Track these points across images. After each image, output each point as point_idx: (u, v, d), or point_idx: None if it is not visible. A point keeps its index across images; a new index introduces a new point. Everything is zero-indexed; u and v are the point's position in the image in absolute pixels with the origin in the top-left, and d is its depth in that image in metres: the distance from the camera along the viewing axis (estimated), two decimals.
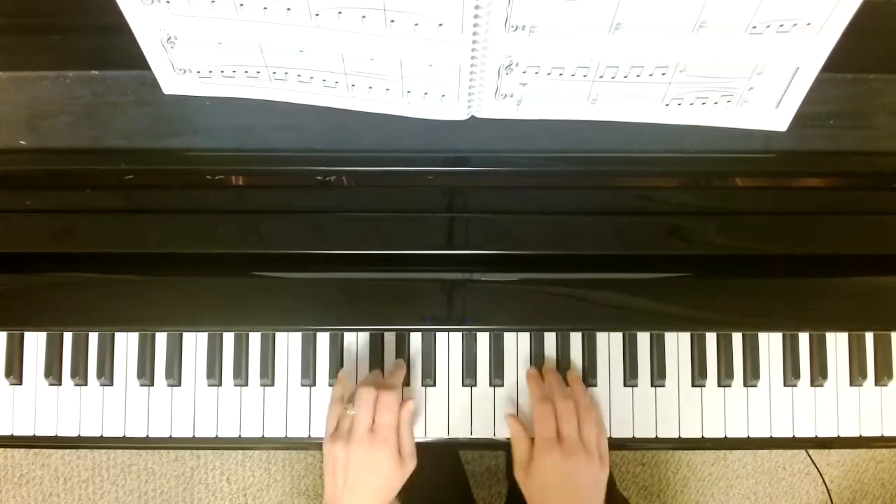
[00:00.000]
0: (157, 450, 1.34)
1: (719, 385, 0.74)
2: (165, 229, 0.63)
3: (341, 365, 0.73)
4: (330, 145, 0.61)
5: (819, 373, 0.73)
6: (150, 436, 0.73)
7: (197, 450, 1.43)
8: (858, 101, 0.60)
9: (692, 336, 0.74)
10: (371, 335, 0.74)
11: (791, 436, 0.74)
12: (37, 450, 1.42)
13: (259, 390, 0.73)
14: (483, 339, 0.74)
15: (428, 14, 0.49)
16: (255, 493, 1.45)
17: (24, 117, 0.60)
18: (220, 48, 0.54)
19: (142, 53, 0.55)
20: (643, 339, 0.74)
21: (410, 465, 0.64)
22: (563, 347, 0.73)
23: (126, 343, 0.74)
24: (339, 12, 0.49)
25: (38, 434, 0.73)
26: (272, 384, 0.73)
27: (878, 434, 0.74)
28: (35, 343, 0.74)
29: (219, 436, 0.73)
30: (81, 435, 0.73)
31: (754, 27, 0.50)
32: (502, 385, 0.73)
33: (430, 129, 0.59)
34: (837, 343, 0.74)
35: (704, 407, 0.74)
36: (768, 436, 0.73)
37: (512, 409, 0.73)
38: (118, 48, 0.56)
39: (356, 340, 0.74)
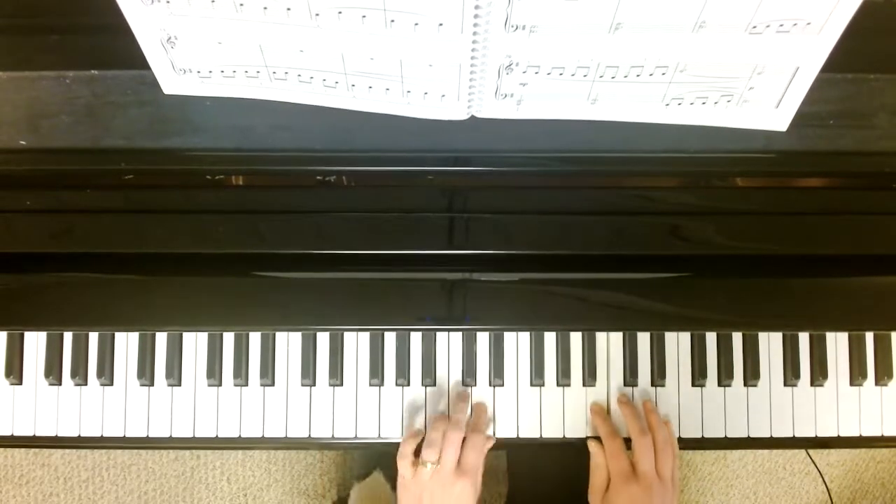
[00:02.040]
0: (157, 450, 1.34)
1: (719, 385, 0.74)
2: (165, 229, 0.63)
3: (342, 365, 0.73)
4: (330, 145, 0.61)
5: (819, 373, 0.73)
6: (150, 436, 0.73)
7: (197, 450, 1.43)
8: (858, 101, 0.60)
9: (692, 336, 0.74)
10: (371, 335, 0.74)
11: (791, 436, 0.74)
12: (37, 450, 1.42)
13: (259, 390, 0.73)
14: (483, 339, 0.74)
15: (428, 14, 0.49)
16: (255, 493, 1.45)
17: (24, 117, 0.60)
18: (220, 48, 0.54)
19: (142, 53, 0.55)
20: (643, 339, 0.74)
21: (479, 490, 0.68)
22: (563, 347, 0.73)
23: (126, 343, 0.73)
24: (339, 12, 0.49)
25: (38, 434, 0.73)
26: (272, 384, 0.73)
27: (878, 434, 0.74)
28: (35, 343, 0.74)
29: (219, 436, 0.73)
30: (81, 435, 0.73)
31: (754, 27, 0.50)
32: (502, 385, 0.73)
33: (430, 128, 0.59)
34: (837, 343, 0.74)
35: (704, 407, 0.74)
36: (768, 436, 0.73)
37: (512, 410, 0.73)
38: (118, 48, 0.56)
39: (356, 340, 0.74)
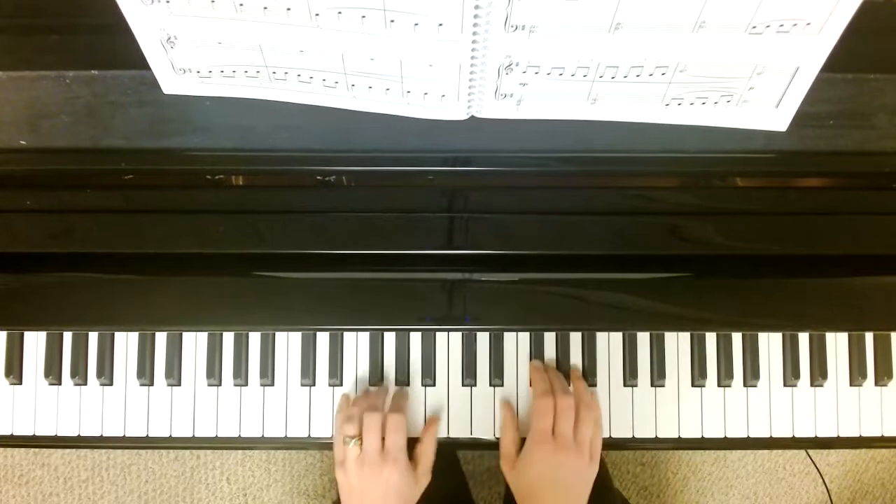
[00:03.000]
0: (157, 450, 1.34)
1: (719, 385, 0.74)
2: (165, 229, 0.63)
3: (342, 365, 0.73)
4: (330, 145, 0.61)
5: (819, 373, 0.73)
6: (150, 436, 0.73)
7: (197, 450, 1.43)
8: (858, 101, 0.60)
9: (692, 336, 0.74)
10: (371, 335, 0.74)
11: (791, 436, 0.74)
12: (37, 449, 1.42)
13: (259, 390, 0.73)
14: (483, 339, 0.74)
15: (428, 14, 0.49)
16: (255, 493, 1.45)
17: (24, 117, 0.60)
18: (220, 48, 0.54)
19: (142, 53, 0.55)
20: (643, 339, 0.74)
21: (425, 480, 0.67)
22: (562, 347, 0.73)
23: (126, 343, 0.74)
24: (339, 12, 0.49)
25: (38, 434, 0.73)
26: (272, 384, 0.73)
27: (878, 434, 0.74)
28: (35, 343, 0.74)
29: (219, 436, 0.73)
30: (81, 435, 0.73)
31: (754, 27, 0.50)
32: (502, 385, 0.73)
33: (430, 128, 0.59)
34: (837, 343, 0.74)
35: (704, 407, 0.74)
36: (768, 436, 0.73)
37: (512, 409, 0.73)
38: (118, 48, 0.56)
39: (356, 340, 0.74)
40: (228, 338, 0.74)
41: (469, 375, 0.73)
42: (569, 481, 0.63)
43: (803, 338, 0.74)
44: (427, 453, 0.68)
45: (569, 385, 0.71)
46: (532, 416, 0.67)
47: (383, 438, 0.64)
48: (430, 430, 0.70)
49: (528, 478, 0.64)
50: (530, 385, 0.73)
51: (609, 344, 0.74)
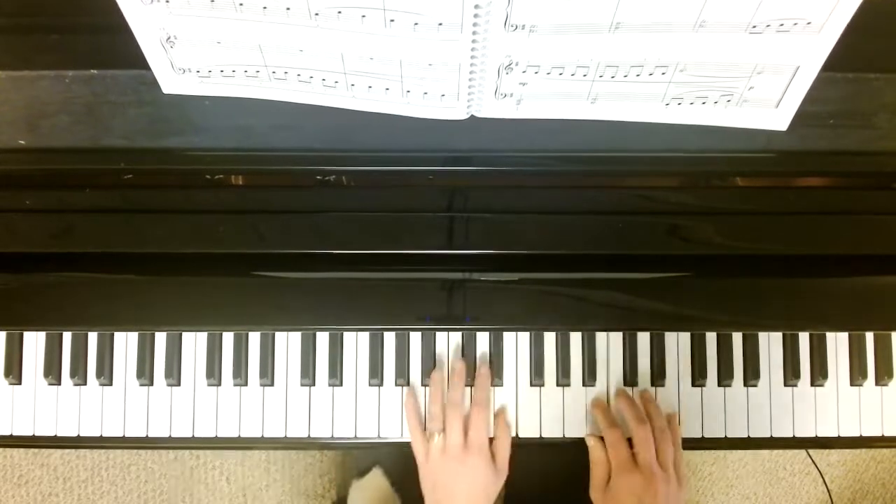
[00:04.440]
0: (156, 450, 1.33)
1: (719, 385, 0.74)
2: (165, 229, 0.63)
3: (342, 365, 0.73)
4: (330, 145, 0.61)
5: (819, 373, 0.73)
6: (150, 436, 0.73)
7: (196, 450, 1.43)
8: (859, 101, 0.60)
9: (692, 336, 0.74)
10: (371, 335, 0.74)
11: (791, 436, 0.73)
12: (36, 450, 1.42)
13: (258, 390, 0.73)
14: (483, 339, 0.74)
15: (428, 14, 0.49)
16: (255, 493, 1.45)
17: (24, 117, 0.60)
18: (220, 48, 0.54)
19: (142, 53, 0.55)
20: (643, 339, 0.74)
21: (504, 474, 0.69)
22: (563, 347, 0.73)
23: (126, 343, 0.73)
24: (339, 12, 0.49)
25: (37, 434, 0.73)
26: (272, 384, 0.73)
27: (879, 434, 0.74)
28: (35, 343, 0.74)
29: (218, 436, 0.73)
30: (81, 435, 0.73)
31: (754, 27, 0.50)
32: (502, 385, 0.73)
33: (430, 128, 0.59)
34: (837, 343, 0.74)
35: (704, 407, 0.74)
36: (768, 436, 0.73)
37: (512, 410, 0.73)
38: (118, 48, 0.56)
39: (356, 340, 0.74)
40: (228, 338, 0.74)
41: (470, 375, 0.73)
42: None
43: (803, 338, 0.74)
44: (503, 446, 0.69)
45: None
46: (608, 449, 0.69)
47: (465, 434, 0.67)
48: (500, 422, 0.71)
49: None
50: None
51: (609, 344, 0.74)
